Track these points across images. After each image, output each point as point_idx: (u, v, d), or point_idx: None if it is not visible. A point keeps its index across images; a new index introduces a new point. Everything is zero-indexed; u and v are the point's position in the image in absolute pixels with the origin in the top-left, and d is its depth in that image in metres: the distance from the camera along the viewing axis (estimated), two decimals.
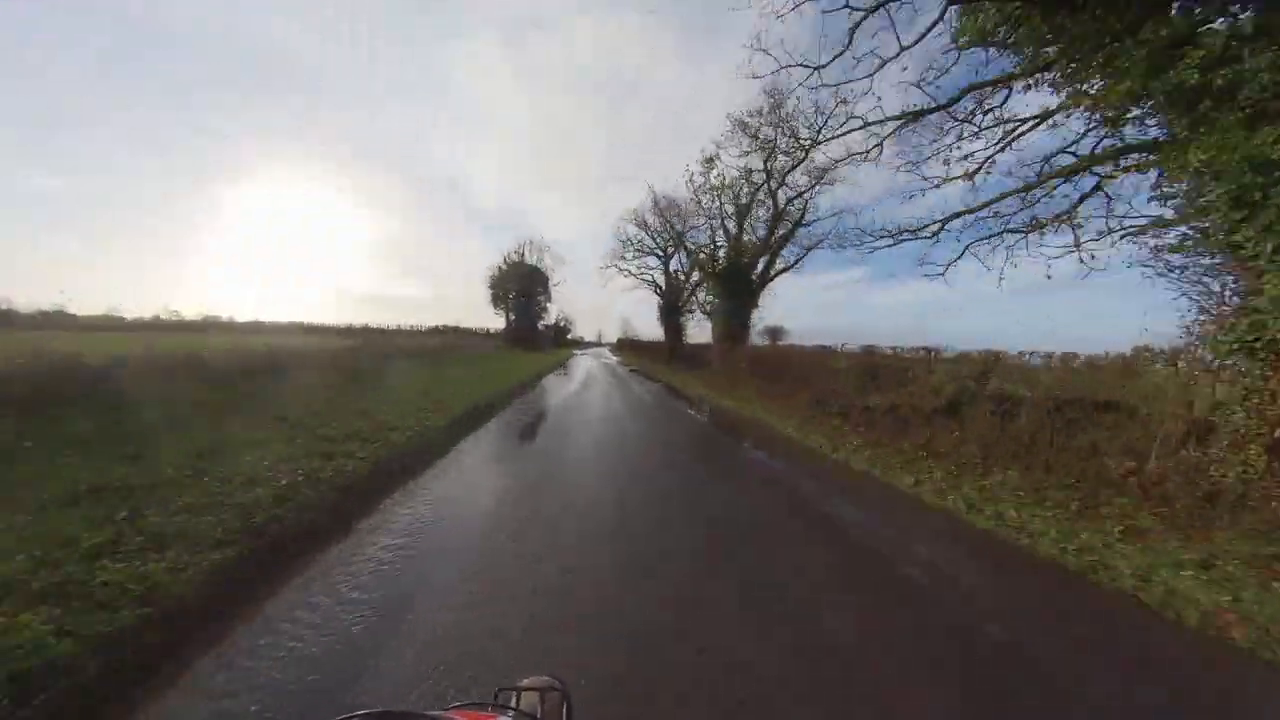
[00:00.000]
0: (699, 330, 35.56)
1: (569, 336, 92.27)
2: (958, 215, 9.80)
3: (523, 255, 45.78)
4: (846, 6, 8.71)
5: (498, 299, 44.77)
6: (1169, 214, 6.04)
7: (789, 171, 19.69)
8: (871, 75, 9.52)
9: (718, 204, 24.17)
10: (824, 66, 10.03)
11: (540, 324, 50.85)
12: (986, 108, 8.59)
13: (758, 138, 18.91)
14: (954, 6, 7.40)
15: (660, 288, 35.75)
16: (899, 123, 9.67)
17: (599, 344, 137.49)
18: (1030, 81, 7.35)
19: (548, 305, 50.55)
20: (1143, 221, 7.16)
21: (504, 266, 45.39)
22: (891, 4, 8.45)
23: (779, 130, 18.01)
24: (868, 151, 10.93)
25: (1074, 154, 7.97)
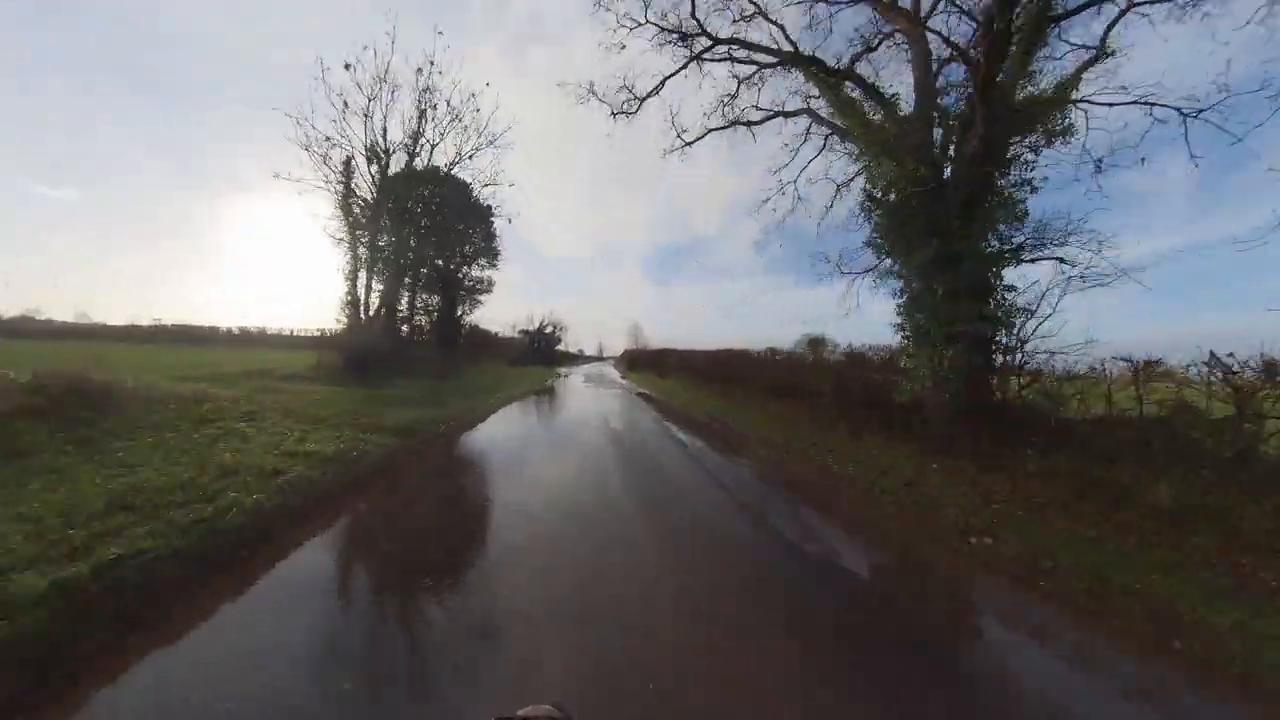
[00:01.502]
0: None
1: (559, 347, 63.92)
2: None
3: (416, 141, 17.21)
4: None
5: (376, 257, 16.18)
6: None
7: None
8: None
9: None
10: None
11: (463, 319, 22.37)
12: None
13: None
14: None
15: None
16: None
17: (600, 358, 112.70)
18: None
19: (488, 274, 22.15)
20: None
21: (370, 175, 16.71)
22: None
23: None
24: None
25: None
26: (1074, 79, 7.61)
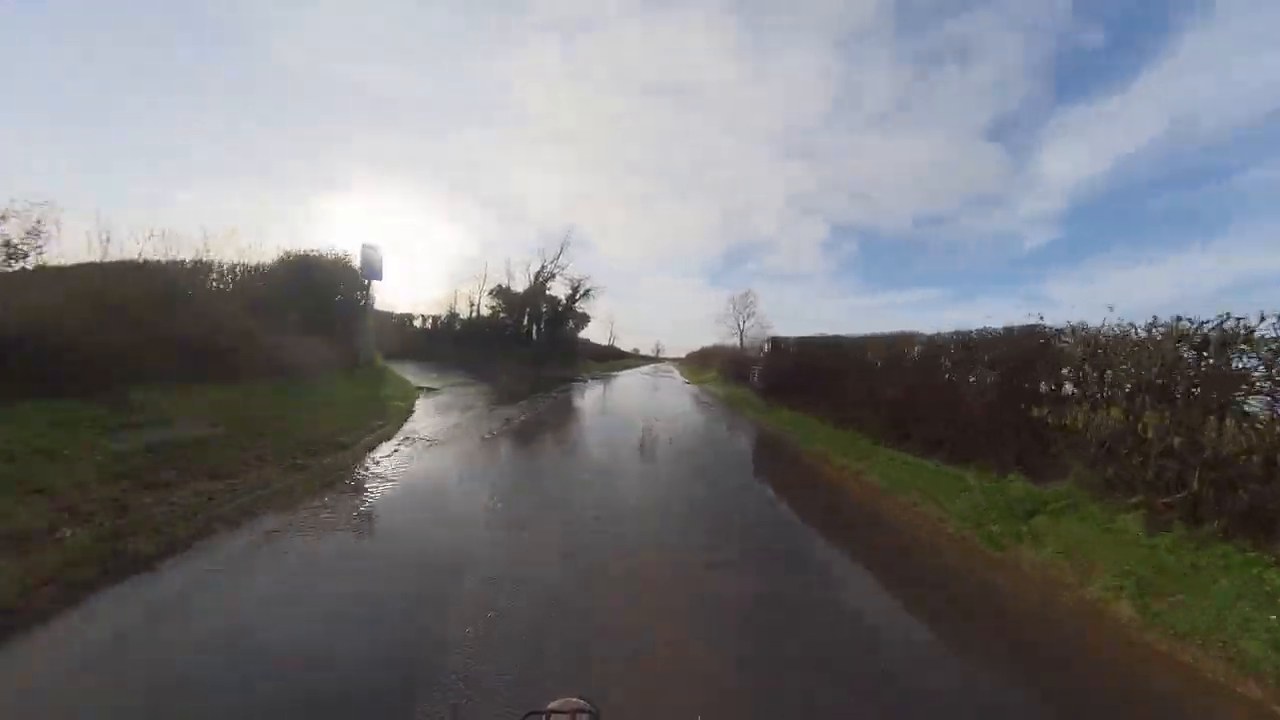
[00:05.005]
0: None
1: (580, 334, 34.90)
2: None
3: None
4: None
5: None
6: None
7: None
8: None
9: None
10: None
11: None
12: None
13: None
14: None
15: None
16: None
17: (657, 358, 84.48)
18: None
19: None
20: None
21: None
22: None
23: None
24: None
25: None
26: None
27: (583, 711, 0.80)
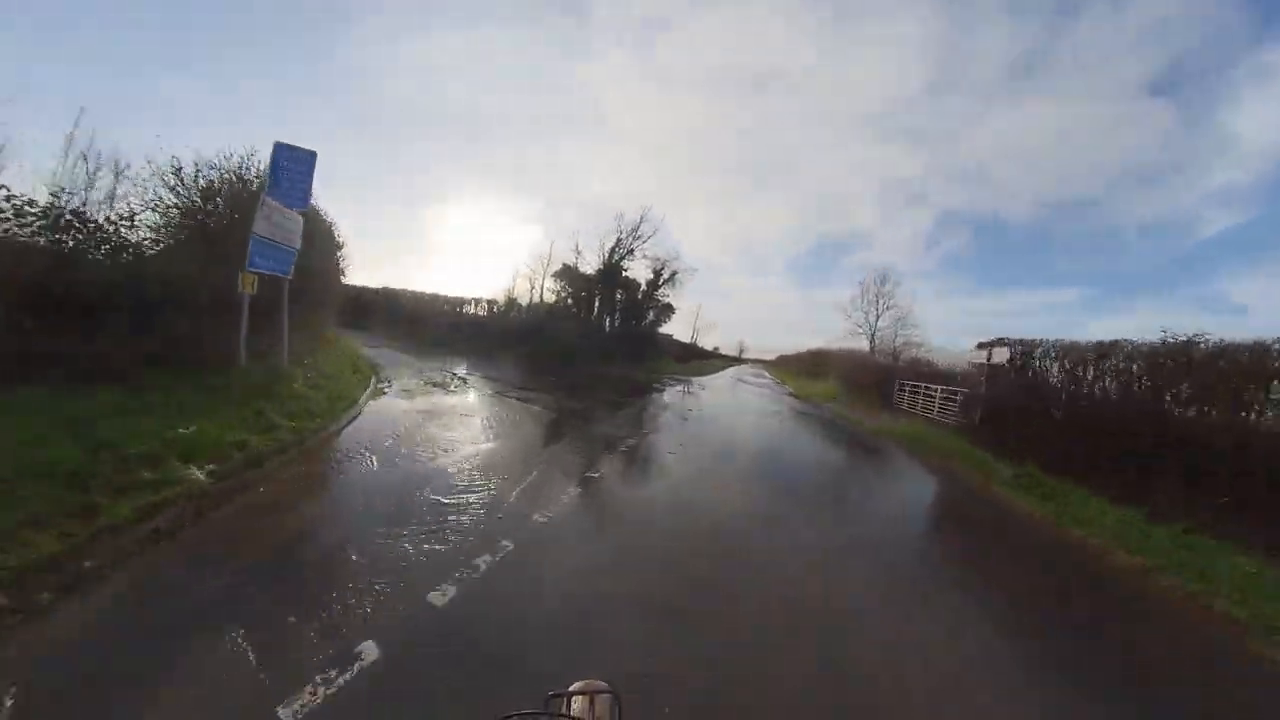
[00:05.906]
0: None
1: (660, 329, 29.60)
2: None
3: None
4: None
5: None
6: None
7: None
8: None
9: None
10: None
11: None
12: None
13: None
14: None
15: None
16: None
17: (739, 359, 75.69)
18: None
19: None
20: None
21: None
22: None
23: None
24: None
25: None
26: None
27: (603, 692, 0.76)
